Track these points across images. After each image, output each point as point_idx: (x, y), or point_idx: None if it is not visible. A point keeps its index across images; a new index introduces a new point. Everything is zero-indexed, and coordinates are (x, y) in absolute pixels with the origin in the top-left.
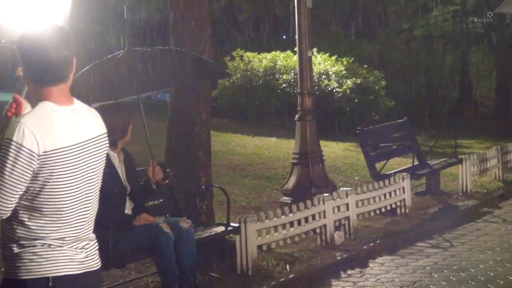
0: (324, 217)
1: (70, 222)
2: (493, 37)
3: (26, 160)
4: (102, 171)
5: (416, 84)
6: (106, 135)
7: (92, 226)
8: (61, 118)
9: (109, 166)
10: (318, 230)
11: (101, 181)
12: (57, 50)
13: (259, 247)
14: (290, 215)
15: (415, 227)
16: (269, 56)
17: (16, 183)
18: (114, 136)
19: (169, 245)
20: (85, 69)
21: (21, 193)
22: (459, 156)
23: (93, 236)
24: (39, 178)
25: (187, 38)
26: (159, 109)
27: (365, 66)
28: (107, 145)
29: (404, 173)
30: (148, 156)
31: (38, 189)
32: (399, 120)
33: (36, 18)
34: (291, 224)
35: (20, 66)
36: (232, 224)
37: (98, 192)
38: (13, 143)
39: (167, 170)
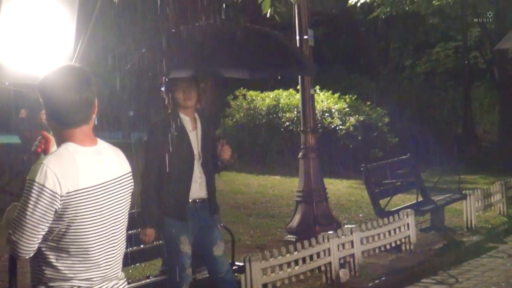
0: (329, 254)
1: (97, 262)
2: (495, 72)
3: (48, 201)
4: (128, 210)
5: (419, 120)
6: (130, 174)
7: (121, 265)
8: (84, 159)
9: (179, 129)
10: (323, 268)
11: (127, 220)
12: (78, 92)
13: (264, 285)
14: (295, 253)
15: (420, 264)
16: (272, 94)
17: (38, 224)
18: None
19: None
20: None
21: (43, 233)
22: (463, 192)
23: (122, 274)
24: (64, 219)
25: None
26: None
27: (368, 103)
28: (132, 184)
29: (409, 210)
30: None
31: (63, 230)
32: (402, 157)
33: (40, 59)
34: (296, 262)
35: (24, 108)
36: (237, 263)
37: (125, 232)
38: (36, 184)
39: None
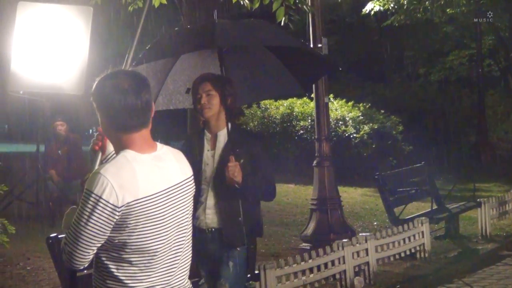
0: (344, 262)
1: (160, 270)
2: (509, 80)
3: (104, 213)
4: (191, 214)
5: (433, 128)
6: (192, 178)
7: (187, 273)
8: (143, 167)
9: (195, 148)
10: (338, 276)
11: (191, 225)
12: (139, 95)
13: None
14: (310, 261)
15: (435, 272)
16: (286, 103)
17: (93, 236)
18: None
19: None
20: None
21: (98, 245)
22: (478, 200)
23: (187, 283)
24: (124, 229)
25: None
26: None
27: (382, 111)
28: (194, 188)
29: (423, 218)
30: None
31: (123, 239)
32: (417, 165)
33: (54, 68)
34: (311, 270)
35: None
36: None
37: (190, 237)
38: (93, 195)
39: None
